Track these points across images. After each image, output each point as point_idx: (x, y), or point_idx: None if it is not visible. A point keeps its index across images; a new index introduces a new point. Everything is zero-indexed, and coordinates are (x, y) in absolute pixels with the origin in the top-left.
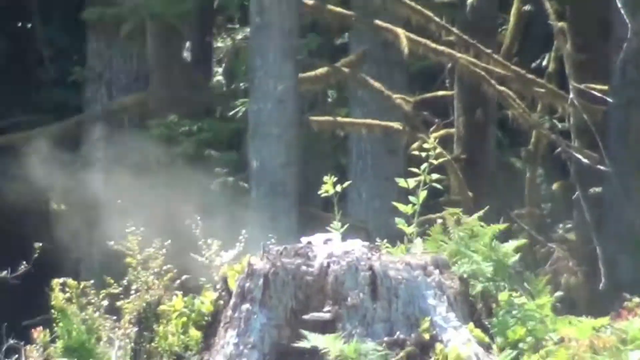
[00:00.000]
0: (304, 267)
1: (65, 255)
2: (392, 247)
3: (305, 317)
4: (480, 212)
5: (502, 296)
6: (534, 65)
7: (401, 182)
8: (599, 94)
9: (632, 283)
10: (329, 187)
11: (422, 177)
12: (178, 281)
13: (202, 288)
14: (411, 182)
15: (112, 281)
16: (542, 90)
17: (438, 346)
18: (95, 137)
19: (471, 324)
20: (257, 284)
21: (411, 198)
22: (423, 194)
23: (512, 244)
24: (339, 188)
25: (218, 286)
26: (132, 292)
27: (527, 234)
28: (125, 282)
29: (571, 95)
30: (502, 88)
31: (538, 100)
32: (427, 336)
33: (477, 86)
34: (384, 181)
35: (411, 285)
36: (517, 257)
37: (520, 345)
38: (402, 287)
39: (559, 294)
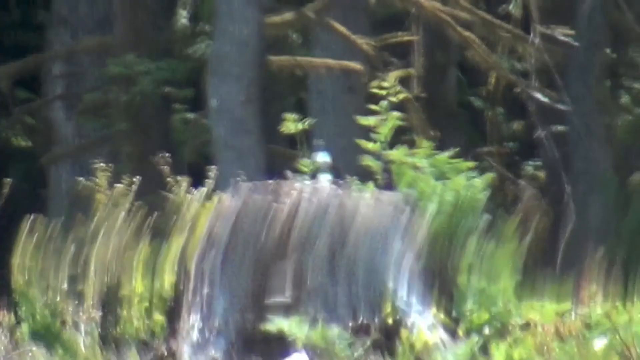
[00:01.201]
0: (274, 204)
1: (34, 191)
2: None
3: (268, 302)
4: (451, 152)
5: (461, 279)
6: (500, 10)
7: (362, 120)
8: (563, 38)
9: (602, 223)
10: (291, 124)
11: (383, 115)
12: (149, 220)
13: (173, 230)
14: (372, 120)
15: (81, 219)
16: (507, 35)
17: (404, 332)
18: (54, 75)
19: (434, 309)
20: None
21: (374, 136)
22: (386, 128)
23: (480, 179)
24: (301, 126)
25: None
26: (100, 236)
27: (496, 171)
28: (93, 224)
29: (531, 36)
30: (467, 33)
31: (499, 43)
32: (390, 321)
33: (440, 31)
34: (345, 119)
35: (380, 228)
36: (487, 191)
37: (486, 330)
38: (370, 233)
39: (528, 239)
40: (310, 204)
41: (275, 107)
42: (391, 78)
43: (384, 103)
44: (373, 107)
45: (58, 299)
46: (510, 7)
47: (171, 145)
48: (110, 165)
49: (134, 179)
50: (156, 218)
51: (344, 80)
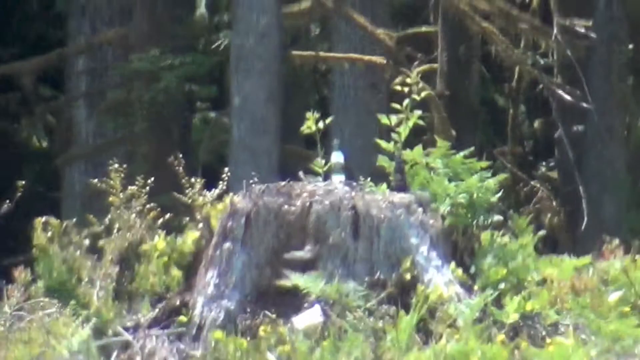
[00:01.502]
0: (286, 207)
1: (47, 193)
2: (376, 185)
3: (287, 256)
4: (466, 152)
5: (485, 236)
6: (518, 0)
7: (383, 119)
8: (582, 30)
9: (614, 222)
10: (310, 124)
11: (404, 115)
12: (160, 220)
13: (185, 227)
14: (393, 119)
15: (94, 220)
16: (526, 26)
17: (419, 287)
18: (78, 71)
19: (453, 264)
20: (239, 223)
21: (393, 135)
22: (405, 130)
23: (493, 179)
24: (321, 125)
25: (200, 226)
26: (114, 231)
27: (510, 172)
28: (107, 221)
29: (555, 31)
30: (486, 24)
31: (522, 36)
32: (408, 276)
33: (460, 22)
34: (366, 116)
35: (393, 224)
36: (499, 193)
37: (502, 285)
38: (384, 226)
39: (542, 233)
40: (323, 206)
41: (296, 104)
42: (414, 74)
43: (406, 102)
44: (395, 105)
45: (78, 254)
46: None
47: (189, 146)
48: (124, 166)
49: (148, 181)
50: (169, 218)
51: (368, 76)
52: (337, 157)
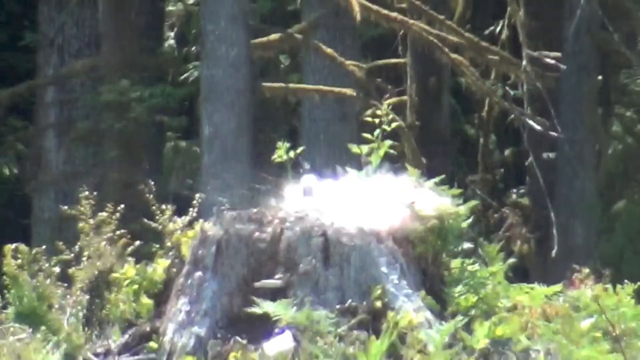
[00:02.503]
0: (257, 234)
1: (17, 220)
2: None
3: (257, 284)
4: (436, 179)
5: (455, 263)
6: (487, 32)
7: (354, 148)
8: (552, 61)
9: (585, 249)
10: (281, 152)
11: (375, 144)
12: (131, 247)
13: (155, 255)
14: (364, 149)
15: (63, 247)
16: (496, 57)
17: (390, 314)
18: (47, 102)
19: (423, 292)
20: (210, 251)
21: (364, 163)
22: (376, 159)
23: (464, 206)
24: (292, 154)
25: (171, 253)
26: (84, 259)
27: (481, 199)
28: (77, 248)
29: (524, 62)
30: (455, 55)
31: (491, 68)
32: (379, 304)
33: (430, 54)
34: (337, 148)
35: (364, 252)
36: (470, 219)
37: (472, 312)
38: (354, 254)
39: (512, 260)
40: (293, 233)
41: (267, 134)
42: (385, 106)
43: (377, 131)
44: (366, 135)
45: (48, 282)
46: (498, 29)
47: (160, 174)
48: (94, 193)
49: (119, 208)
50: (139, 246)
51: (338, 107)
52: (308, 180)
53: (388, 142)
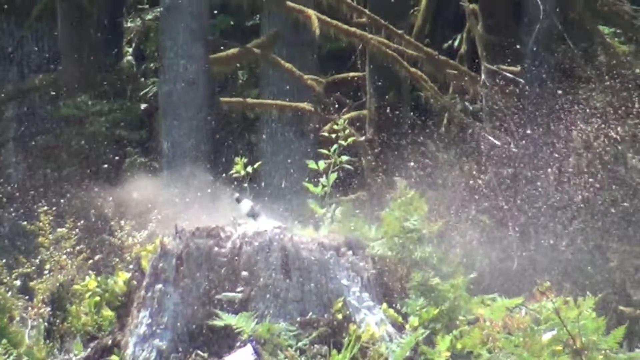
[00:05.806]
0: (216, 248)
1: None
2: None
3: (218, 296)
4: (394, 194)
5: (416, 276)
6: (445, 46)
7: (311, 164)
8: (510, 75)
9: (545, 262)
10: (239, 167)
11: (332, 160)
12: (91, 261)
13: (116, 268)
14: (321, 164)
15: (24, 260)
16: (454, 72)
17: (351, 327)
18: (6, 117)
19: (384, 305)
20: (170, 264)
21: (321, 180)
22: (333, 175)
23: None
24: (249, 169)
25: (131, 266)
26: (46, 272)
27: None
28: (37, 261)
29: (483, 77)
30: (413, 70)
31: (450, 82)
32: (340, 316)
33: (389, 68)
34: (295, 163)
35: (324, 266)
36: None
37: (434, 324)
38: (314, 268)
39: (473, 275)
40: (252, 247)
41: (227, 150)
42: (341, 121)
43: (334, 147)
44: (322, 150)
45: (9, 294)
46: (456, 43)
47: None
48: (54, 208)
49: (78, 223)
50: (99, 259)
51: (296, 122)
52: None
53: (344, 158)
